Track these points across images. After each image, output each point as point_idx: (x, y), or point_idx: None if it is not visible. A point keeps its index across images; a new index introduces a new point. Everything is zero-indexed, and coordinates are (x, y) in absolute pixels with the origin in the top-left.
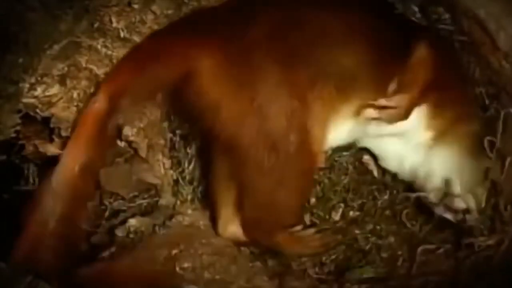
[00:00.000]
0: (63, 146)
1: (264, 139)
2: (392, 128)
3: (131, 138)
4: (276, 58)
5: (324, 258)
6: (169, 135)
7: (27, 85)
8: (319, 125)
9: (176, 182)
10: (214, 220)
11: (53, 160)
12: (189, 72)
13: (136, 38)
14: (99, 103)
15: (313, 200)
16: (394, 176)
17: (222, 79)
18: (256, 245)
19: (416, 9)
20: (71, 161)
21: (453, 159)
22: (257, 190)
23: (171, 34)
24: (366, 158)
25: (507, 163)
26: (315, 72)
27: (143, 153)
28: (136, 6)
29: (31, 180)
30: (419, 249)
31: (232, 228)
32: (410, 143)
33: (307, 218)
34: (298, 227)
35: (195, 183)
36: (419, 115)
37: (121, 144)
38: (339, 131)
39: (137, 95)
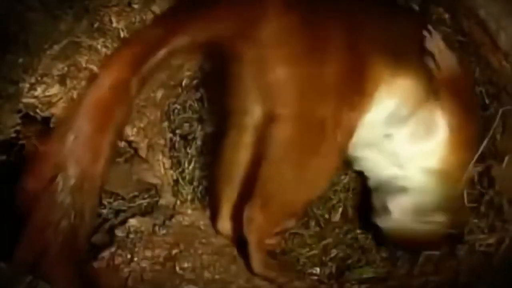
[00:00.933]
0: None
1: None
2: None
3: (131, 138)
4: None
5: (324, 258)
6: (169, 135)
7: (27, 85)
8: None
9: (176, 182)
10: (213, 216)
11: None
12: (251, 26)
13: None
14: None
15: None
16: None
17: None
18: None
19: (416, 8)
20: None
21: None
22: (277, 171)
23: None
24: None
25: (505, 160)
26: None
27: (143, 153)
28: (136, 6)
29: None
30: None
31: (229, 224)
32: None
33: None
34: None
35: (195, 183)
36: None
37: (121, 144)
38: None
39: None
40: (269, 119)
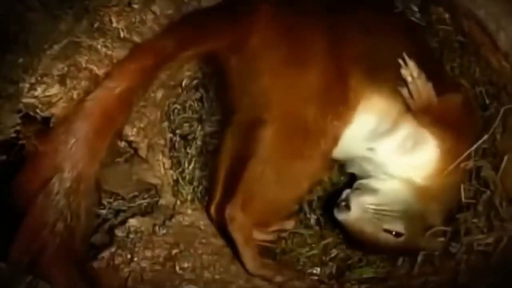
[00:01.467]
0: None
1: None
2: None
3: (131, 138)
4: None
5: (324, 258)
6: (169, 135)
7: (27, 85)
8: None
9: (176, 182)
10: (209, 199)
11: None
12: (240, 39)
13: (136, 38)
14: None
15: (313, 199)
16: None
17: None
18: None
19: (416, 9)
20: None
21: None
22: (261, 171)
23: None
24: None
25: (505, 159)
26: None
27: (143, 153)
28: (136, 6)
29: None
30: None
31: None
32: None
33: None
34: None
35: (195, 183)
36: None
37: (121, 144)
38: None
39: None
40: (256, 122)
